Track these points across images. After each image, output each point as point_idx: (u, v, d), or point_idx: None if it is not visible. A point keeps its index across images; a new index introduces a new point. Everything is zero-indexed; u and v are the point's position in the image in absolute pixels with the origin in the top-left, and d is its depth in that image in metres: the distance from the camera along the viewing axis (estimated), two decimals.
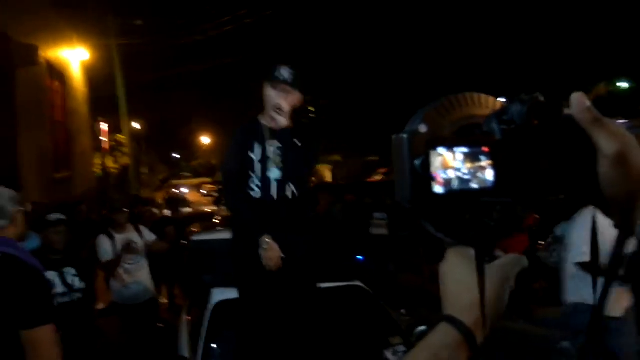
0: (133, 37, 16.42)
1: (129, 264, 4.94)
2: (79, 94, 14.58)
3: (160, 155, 44.46)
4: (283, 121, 2.77)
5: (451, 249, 0.78)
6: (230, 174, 3.00)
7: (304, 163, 2.86)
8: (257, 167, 2.81)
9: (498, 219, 0.75)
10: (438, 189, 0.69)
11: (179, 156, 59.43)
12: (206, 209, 19.62)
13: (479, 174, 0.69)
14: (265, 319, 2.82)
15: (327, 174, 32.14)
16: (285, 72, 2.80)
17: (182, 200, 17.03)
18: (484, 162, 0.69)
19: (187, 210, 18.57)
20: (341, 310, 3.70)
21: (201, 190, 43.23)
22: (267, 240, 2.72)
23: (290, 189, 2.80)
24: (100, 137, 19.87)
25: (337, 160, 28.74)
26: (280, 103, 2.76)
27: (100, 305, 4.79)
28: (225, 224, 10.20)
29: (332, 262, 3.99)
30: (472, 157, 0.69)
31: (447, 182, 0.69)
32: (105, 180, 19.25)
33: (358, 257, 7.33)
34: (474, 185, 0.69)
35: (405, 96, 16.59)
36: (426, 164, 0.69)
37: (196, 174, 62.52)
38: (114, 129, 22.47)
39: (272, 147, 2.82)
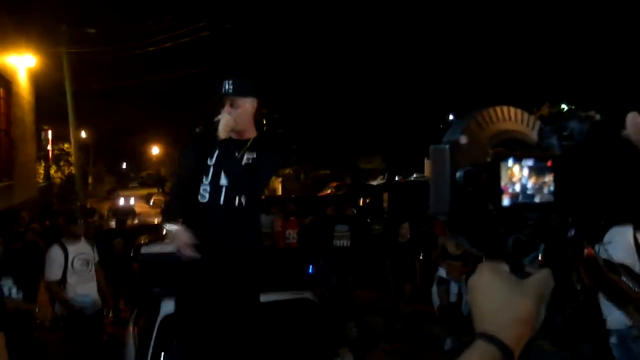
0: (84, 46, 16.13)
1: (79, 274, 4.90)
2: (25, 101, 14.18)
3: (108, 166, 43.35)
4: (220, 135, 2.76)
5: (484, 264, 0.77)
6: (180, 178, 3.02)
7: (259, 175, 2.84)
8: (210, 172, 2.82)
9: (530, 234, 0.74)
10: (506, 201, 0.68)
11: (126, 166, 58.07)
12: (154, 221, 19.29)
13: (544, 189, 0.70)
14: (205, 331, 2.80)
15: (278, 187, 32.25)
16: (225, 85, 2.86)
17: (129, 212, 16.71)
18: (547, 177, 0.69)
19: (134, 222, 18.25)
20: (288, 322, 3.81)
21: (150, 202, 42.42)
22: (173, 223, 2.74)
23: (238, 198, 2.80)
24: (46, 146, 19.28)
25: (288, 173, 28.91)
26: (220, 117, 2.80)
27: (44, 316, 4.67)
28: None
29: (285, 273, 4.09)
30: (537, 171, 0.69)
31: (514, 195, 0.68)
32: (49, 190, 18.67)
33: (309, 268, 7.36)
34: (537, 200, 0.69)
35: (357, 113, 16.98)
36: (495, 175, 0.68)
37: (144, 185, 61.27)
38: (59, 138, 21.87)
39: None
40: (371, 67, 15.13)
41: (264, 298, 2.99)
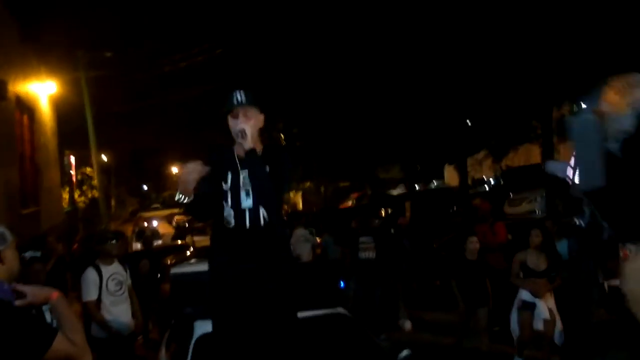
0: (102, 69, 16.39)
1: (114, 295, 4.89)
2: (48, 128, 14.41)
3: (129, 188, 43.86)
4: (248, 143, 2.75)
5: None
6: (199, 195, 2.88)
7: (274, 188, 2.79)
8: (229, 196, 2.78)
9: None
10: None
11: (147, 188, 58.67)
12: (178, 241, 19.37)
13: None
14: (243, 352, 2.75)
15: (299, 201, 32.25)
16: (238, 95, 2.82)
17: (153, 233, 16.80)
18: None
19: (159, 242, 18.31)
20: (324, 338, 3.73)
21: (173, 222, 42.64)
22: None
23: (261, 216, 2.76)
24: (69, 171, 19.56)
25: (308, 187, 28.89)
26: (242, 127, 2.75)
27: None
28: (199, 255, 10.14)
29: (316, 289, 4.01)
30: None
31: None
32: (74, 214, 18.90)
33: (341, 283, 7.37)
34: None
35: (373, 123, 16.88)
36: None
37: (166, 205, 61.77)
38: (81, 162, 22.19)
39: (243, 175, 2.80)
40: (387, 76, 15.05)
41: (298, 315, 2.94)
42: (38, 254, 5.19)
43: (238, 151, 2.85)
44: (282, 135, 23.87)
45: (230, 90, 2.88)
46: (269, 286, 2.75)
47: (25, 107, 12.24)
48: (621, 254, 2.19)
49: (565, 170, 1.91)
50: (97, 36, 15.67)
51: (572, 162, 1.68)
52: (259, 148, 2.87)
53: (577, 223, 5.47)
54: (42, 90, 13.58)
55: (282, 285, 2.79)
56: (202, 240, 16.51)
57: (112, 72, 17.21)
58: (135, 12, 15.29)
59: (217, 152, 2.93)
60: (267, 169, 2.78)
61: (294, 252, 9.46)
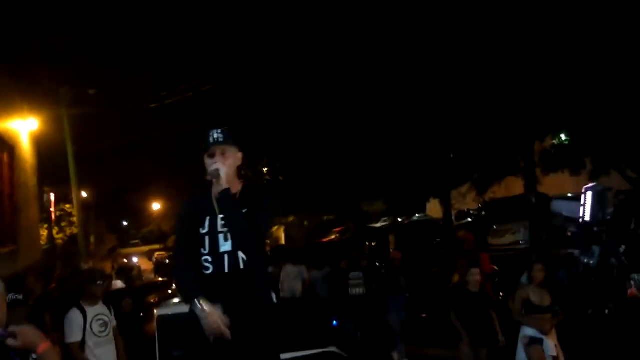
0: (85, 106, 16.31)
1: (98, 336, 4.75)
2: (28, 165, 14.19)
3: (108, 224, 43.17)
4: (222, 184, 2.67)
5: None
6: (179, 247, 2.87)
7: (253, 230, 2.68)
8: (207, 242, 2.71)
9: None
10: None
11: (127, 223, 57.81)
12: (159, 278, 19.04)
13: None
14: None
15: (281, 235, 32.01)
16: (214, 134, 2.76)
17: (133, 270, 16.48)
18: None
19: (139, 281, 17.93)
20: None
21: (153, 258, 41.99)
22: (200, 303, 2.56)
23: (240, 259, 2.67)
24: (49, 208, 19.22)
25: (291, 220, 28.74)
26: (215, 167, 2.69)
27: None
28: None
29: (307, 328, 3.94)
30: None
31: None
32: (52, 252, 18.48)
33: (334, 321, 7.57)
34: None
35: (356, 158, 17.00)
36: None
37: (146, 242, 60.82)
38: (61, 198, 21.84)
39: (220, 218, 2.71)
40: (370, 109, 15.24)
41: (290, 356, 2.87)
42: (20, 296, 5.03)
43: (215, 193, 2.76)
44: (264, 170, 23.88)
45: (208, 129, 2.83)
46: (249, 329, 2.64)
47: (6, 145, 12.07)
48: (628, 292, 2.18)
49: (573, 209, 1.92)
50: (81, 73, 15.64)
51: (582, 200, 1.70)
52: (237, 188, 2.80)
53: (585, 261, 5.46)
54: (24, 127, 13.43)
55: (262, 332, 2.69)
56: None
57: (96, 109, 17.13)
58: (121, 50, 15.30)
59: (191, 203, 2.86)
60: (245, 210, 2.69)
61: (284, 289, 9.42)
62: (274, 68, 16.12)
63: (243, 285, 2.66)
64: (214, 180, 2.72)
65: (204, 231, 2.71)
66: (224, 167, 2.69)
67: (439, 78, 13.03)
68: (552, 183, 14.96)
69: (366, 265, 8.85)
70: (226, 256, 2.67)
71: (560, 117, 11.90)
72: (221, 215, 2.71)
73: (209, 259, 2.69)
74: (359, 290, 8.11)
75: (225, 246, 2.68)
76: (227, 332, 2.56)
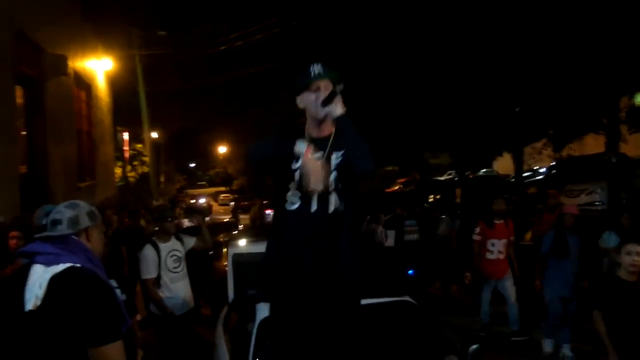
0: (156, 48, 16.57)
1: (173, 272, 4.87)
2: (104, 103, 14.72)
3: (177, 165, 44.76)
4: (338, 110, 2.47)
5: None
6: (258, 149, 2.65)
7: (350, 174, 2.49)
8: (297, 177, 2.52)
9: None
10: None
11: (194, 165, 59.78)
12: (224, 218, 19.62)
13: None
14: (303, 339, 2.57)
15: None
16: (315, 68, 2.57)
17: (203, 210, 16.96)
18: None
19: (207, 219, 18.58)
20: (390, 326, 3.59)
21: (217, 200, 43.44)
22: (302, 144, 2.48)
23: (332, 201, 2.51)
24: (122, 147, 20.05)
25: None
26: (335, 109, 2.47)
27: (138, 317, 4.67)
28: (247, 233, 10.15)
29: (383, 278, 3.88)
30: None
31: None
32: (126, 189, 19.38)
33: (409, 271, 7.69)
34: None
35: (426, 110, 16.48)
36: None
37: (212, 183, 62.89)
38: (133, 138, 22.69)
39: (317, 156, 2.51)
40: (437, 62, 14.59)
41: (363, 302, 2.79)
42: (103, 228, 5.23)
43: (310, 133, 2.61)
44: None
45: (299, 69, 2.63)
46: (330, 272, 2.51)
47: (83, 83, 12.50)
48: None
49: None
50: (152, 15, 15.81)
51: None
52: (332, 129, 2.58)
53: None
54: (99, 67, 13.84)
55: (344, 271, 2.54)
56: (246, 218, 16.62)
57: (165, 51, 17.38)
58: None
59: (287, 134, 2.64)
60: (342, 153, 2.51)
61: (377, 238, 9.33)
62: (343, 12, 15.65)
63: (328, 225, 2.50)
64: (321, 115, 2.52)
65: (296, 166, 2.53)
66: (343, 108, 2.48)
67: (521, 28, 12.17)
68: (637, 142, 13.98)
69: (420, 213, 9.11)
70: (316, 195, 2.51)
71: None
72: (319, 154, 2.51)
73: (297, 194, 2.53)
74: (413, 237, 8.41)
75: (317, 185, 2.47)
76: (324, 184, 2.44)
